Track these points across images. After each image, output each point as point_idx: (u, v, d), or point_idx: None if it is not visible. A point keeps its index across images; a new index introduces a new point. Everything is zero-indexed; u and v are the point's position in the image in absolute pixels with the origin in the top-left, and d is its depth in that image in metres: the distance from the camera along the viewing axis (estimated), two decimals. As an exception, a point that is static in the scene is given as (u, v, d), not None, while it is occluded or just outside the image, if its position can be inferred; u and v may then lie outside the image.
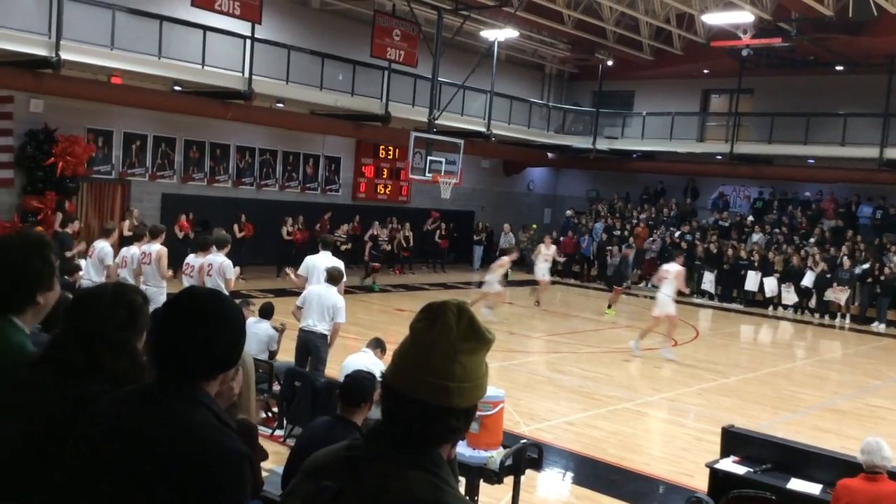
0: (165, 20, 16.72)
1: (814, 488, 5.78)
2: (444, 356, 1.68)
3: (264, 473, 4.61)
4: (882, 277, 20.52)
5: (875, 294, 20.62)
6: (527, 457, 6.10)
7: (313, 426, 4.51)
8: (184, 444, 1.87)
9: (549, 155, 28.39)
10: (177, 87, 17.90)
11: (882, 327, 20.09)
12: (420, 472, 1.65)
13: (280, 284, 17.37)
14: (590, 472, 7.81)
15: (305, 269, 9.64)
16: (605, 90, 28.32)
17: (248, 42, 17.90)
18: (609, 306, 18.85)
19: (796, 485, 5.85)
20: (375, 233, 21.39)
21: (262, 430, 7.46)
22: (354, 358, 7.20)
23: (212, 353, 1.97)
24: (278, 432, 7.72)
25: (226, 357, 2.02)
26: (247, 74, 17.80)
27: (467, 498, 2.05)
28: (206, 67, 17.35)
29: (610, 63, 26.38)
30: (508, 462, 5.86)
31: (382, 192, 25.14)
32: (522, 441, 6.34)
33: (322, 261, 9.47)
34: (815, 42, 20.54)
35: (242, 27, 17.97)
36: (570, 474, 7.76)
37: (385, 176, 25.09)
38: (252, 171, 21.69)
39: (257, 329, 8.49)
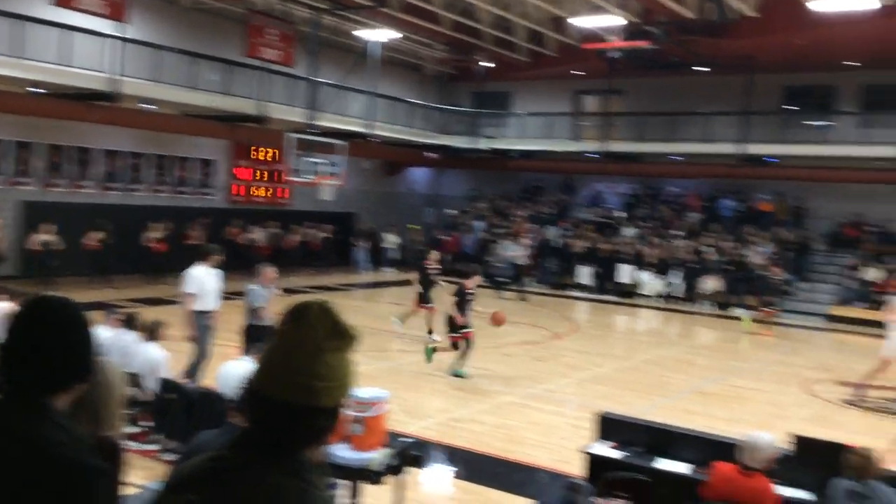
0: (19, 18, 15.81)
1: (684, 467, 6.10)
2: (309, 356, 1.67)
3: (137, 490, 4.44)
4: (742, 267, 21.84)
5: (736, 282, 21.90)
6: (411, 455, 6.13)
7: (205, 439, 4.35)
8: (33, 462, 1.77)
9: (431, 155, 28.60)
10: (33, 89, 16.92)
11: (743, 312, 21.33)
12: (287, 477, 1.63)
13: (152, 293, 16.75)
14: (474, 466, 7.93)
15: (195, 285, 9.35)
16: (484, 91, 28.81)
17: (114, 42, 17.17)
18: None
19: (667, 465, 6.15)
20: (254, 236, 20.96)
21: (138, 445, 7.18)
22: (232, 366, 7.02)
23: (58, 364, 1.88)
24: (151, 447, 7.43)
25: (74, 368, 1.93)
26: (112, 75, 17.05)
27: (337, 499, 2.04)
28: (68, 68, 16.52)
29: (488, 65, 26.85)
30: (392, 462, 5.87)
31: (262, 194, 24.64)
32: (406, 440, 6.36)
33: (206, 276, 9.31)
34: (679, 44, 21.60)
35: (109, 27, 17.21)
36: (455, 470, 7.85)
37: (263, 178, 24.60)
38: (120, 176, 20.80)
39: (139, 350, 7.84)
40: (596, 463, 6.31)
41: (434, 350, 11.91)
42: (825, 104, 24.42)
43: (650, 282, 22.90)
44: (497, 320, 12.01)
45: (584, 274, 23.84)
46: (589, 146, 26.33)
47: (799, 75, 24.08)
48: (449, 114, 28.86)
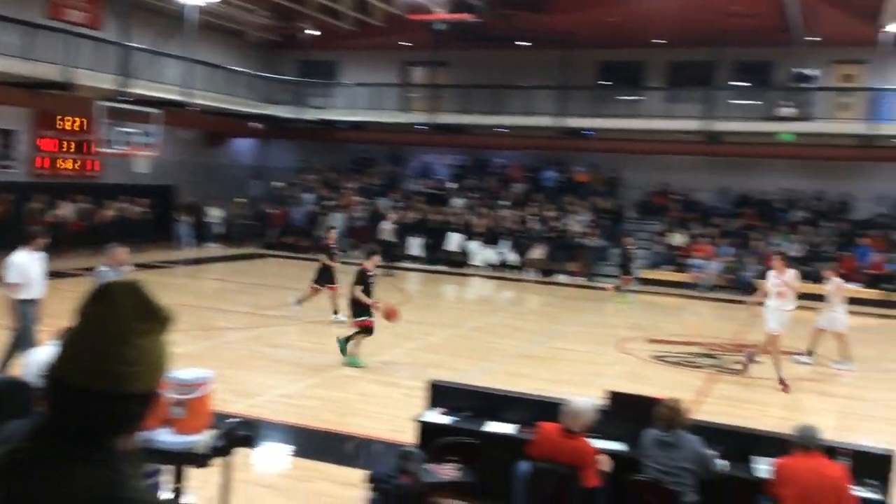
0: None
1: (511, 428, 6.34)
2: (115, 340, 1.55)
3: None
4: (563, 234, 22.93)
5: (558, 249, 22.97)
6: (238, 436, 5.96)
7: (12, 430, 3.98)
8: None
9: (256, 125, 27.73)
10: None
11: (564, 278, 22.48)
12: (94, 467, 1.51)
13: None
14: (307, 441, 7.84)
15: (19, 273, 8.61)
16: (311, 60, 28.21)
17: None
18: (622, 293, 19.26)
19: (495, 427, 6.36)
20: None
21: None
22: (39, 351, 6.50)
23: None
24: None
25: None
26: None
27: (158, 485, 1.91)
28: None
29: (313, 32, 26.28)
30: (218, 444, 5.69)
31: (69, 166, 22.89)
32: (233, 420, 6.17)
33: (30, 262, 8.60)
34: (501, 18, 22.10)
35: None
36: (287, 447, 7.73)
37: (71, 150, 22.85)
38: None
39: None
40: (428, 430, 6.42)
41: (347, 341, 10.80)
42: (636, 80, 25.96)
43: (479, 251, 23.53)
44: (389, 315, 10.83)
45: (415, 245, 24.12)
46: (417, 118, 26.52)
47: (613, 51, 25.41)
48: (273, 82, 28.04)
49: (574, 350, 13.20)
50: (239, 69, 26.40)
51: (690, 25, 21.73)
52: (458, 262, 23.76)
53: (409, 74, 29.25)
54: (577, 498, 5.26)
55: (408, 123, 26.77)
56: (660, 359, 12.66)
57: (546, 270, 22.90)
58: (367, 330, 10.70)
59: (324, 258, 14.23)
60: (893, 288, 19.75)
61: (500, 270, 23.20)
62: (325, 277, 14.12)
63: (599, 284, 21.17)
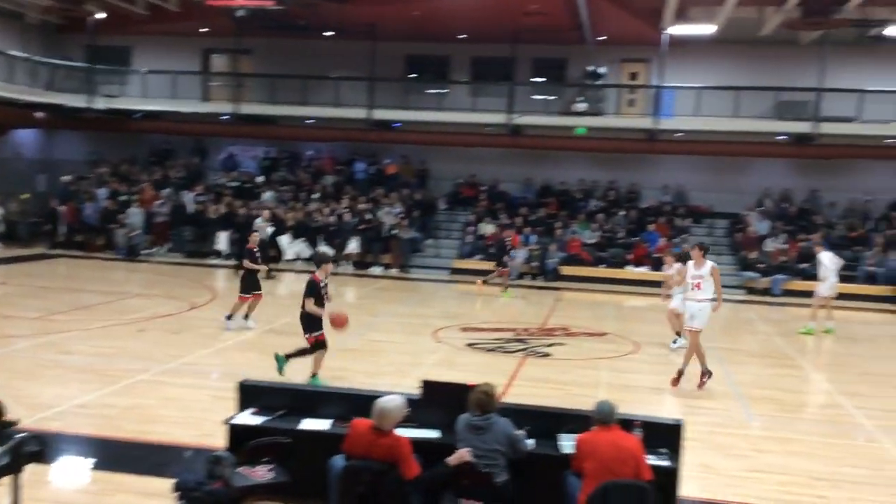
0: None
1: (324, 424, 6.22)
2: None
3: None
4: (376, 227, 22.97)
5: (371, 242, 22.99)
6: (27, 451, 5.44)
7: None
8: None
9: (39, 115, 25.48)
10: None
11: (379, 270, 22.55)
12: None
13: None
14: (106, 453, 7.30)
15: None
16: (100, 45, 26.30)
17: None
18: (504, 289, 19.43)
19: (308, 424, 6.22)
20: None
21: None
22: None
23: None
24: None
25: None
26: None
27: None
28: None
29: (101, 16, 24.51)
30: (4, 461, 5.17)
31: None
32: (21, 434, 5.61)
33: None
34: (304, 7, 21.70)
35: None
36: (84, 460, 7.15)
37: None
38: None
39: None
40: (239, 432, 6.17)
41: (289, 357, 9.97)
42: (442, 73, 26.47)
43: (291, 245, 23.02)
44: (336, 322, 9.68)
45: (223, 240, 23.20)
46: (219, 107, 25.53)
47: (419, 45, 25.73)
48: (58, 69, 25.90)
49: (390, 341, 13.25)
50: (18, 54, 24.14)
51: (491, 22, 22.47)
52: (271, 256, 23.12)
53: (211, 62, 28.07)
54: (393, 492, 5.25)
55: (210, 113, 25.69)
56: (473, 346, 12.99)
57: (360, 263, 22.85)
58: (321, 345, 9.90)
59: (247, 263, 13.48)
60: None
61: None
62: (250, 284, 13.37)
63: (410, 275, 21.41)
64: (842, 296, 19.84)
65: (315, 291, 9.79)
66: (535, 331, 14.54)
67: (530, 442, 5.92)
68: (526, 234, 23.04)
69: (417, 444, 5.60)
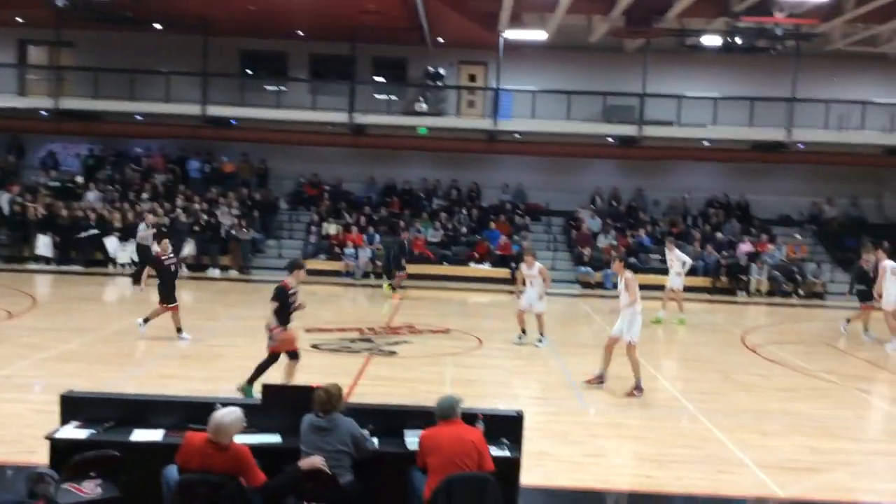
0: None
1: (156, 434, 5.91)
2: None
3: None
4: (213, 228, 22.16)
5: (208, 243, 22.15)
6: None
7: None
8: None
9: None
10: None
11: (217, 272, 21.78)
12: None
13: None
14: None
15: None
16: None
17: None
18: (393, 289, 19.51)
19: (140, 435, 5.89)
20: None
21: None
22: None
23: None
24: None
25: None
26: None
27: None
28: None
29: None
30: None
31: None
32: None
33: None
34: (131, -2, 20.61)
35: None
36: None
37: None
38: None
39: None
40: (63, 447, 5.74)
41: (251, 384, 9.23)
42: (279, 70, 25.92)
43: (119, 248, 21.75)
44: (284, 343, 9.38)
45: (43, 244, 21.59)
46: (38, 102, 23.75)
47: (255, 40, 25.07)
48: None
49: (231, 345, 12.80)
50: None
51: (329, 20, 22.25)
52: (96, 260, 21.79)
53: (28, 54, 26.06)
54: (234, 503, 5.05)
55: (27, 108, 23.85)
56: (317, 347, 12.80)
57: (197, 266, 21.95)
58: (274, 357, 9.36)
59: (147, 273, 12.84)
60: (518, 266, 22.16)
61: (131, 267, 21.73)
62: (171, 293, 12.59)
63: (252, 277, 20.84)
64: (660, 287, 21.28)
65: (282, 297, 9.29)
66: (380, 329, 14.54)
67: (375, 441, 5.90)
68: (370, 234, 23.01)
69: (259, 450, 5.43)
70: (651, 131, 23.63)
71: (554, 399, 10.27)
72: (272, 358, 9.42)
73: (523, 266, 13.49)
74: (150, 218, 19.83)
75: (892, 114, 23.77)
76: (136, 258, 21.55)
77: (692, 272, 22.57)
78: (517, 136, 24.62)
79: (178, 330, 12.78)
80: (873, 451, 8.72)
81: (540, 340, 13.45)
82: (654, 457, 8.08)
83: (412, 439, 5.91)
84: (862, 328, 15.60)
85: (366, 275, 22.17)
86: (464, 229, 24.15)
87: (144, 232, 18.90)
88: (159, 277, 12.81)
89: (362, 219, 23.61)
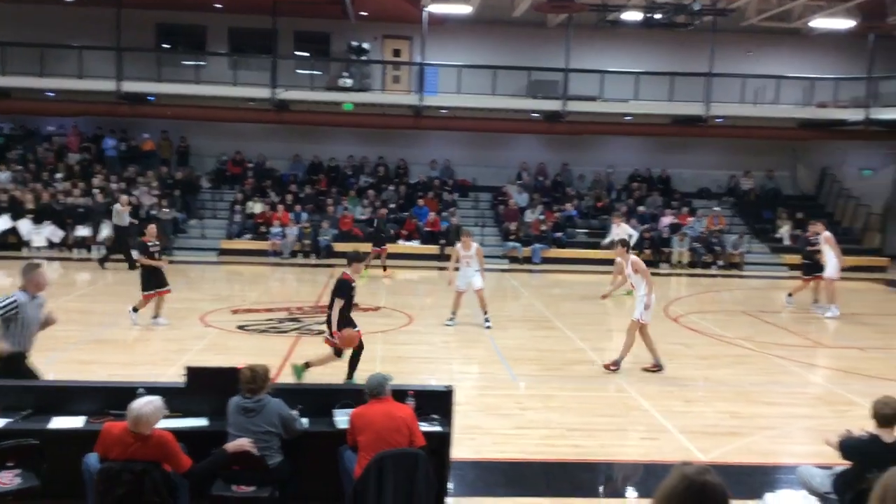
0: None
1: (77, 421, 5.71)
2: None
3: None
4: (133, 207, 21.47)
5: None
6: None
7: None
8: None
9: None
10: None
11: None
12: None
13: None
14: None
15: None
16: None
17: None
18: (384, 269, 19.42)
19: (59, 422, 5.68)
20: None
21: None
22: None
23: None
24: None
25: None
26: None
27: None
28: None
29: None
30: None
31: None
32: None
33: None
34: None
35: None
36: None
37: None
38: None
39: None
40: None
41: (308, 366, 9.04)
42: (198, 44, 25.15)
43: (33, 231, 20.90)
44: (346, 342, 9.06)
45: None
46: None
47: (171, 13, 24.25)
48: None
49: (153, 328, 12.48)
50: None
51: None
52: (9, 243, 20.89)
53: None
54: (158, 490, 4.92)
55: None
56: (244, 328, 12.60)
57: (110, 247, 21.20)
58: (338, 353, 9.10)
59: (143, 259, 12.27)
60: (448, 243, 22.20)
61: (62, 250, 20.95)
62: (153, 281, 12.18)
63: (176, 258, 20.32)
64: (586, 260, 21.68)
65: (346, 292, 9.06)
66: (308, 309, 14.38)
67: (305, 421, 5.83)
68: (296, 212, 22.68)
69: (185, 434, 5.31)
70: (575, 106, 23.87)
71: (484, 373, 10.36)
72: (338, 354, 9.18)
73: (459, 247, 13.18)
74: (124, 199, 19.61)
75: (805, 88, 24.59)
76: (55, 241, 20.85)
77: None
78: (443, 111, 24.55)
79: (155, 316, 12.53)
80: (789, 414, 9.08)
81: (487, 321, 13.14)
82: (582, 426, 8.24)
83: (342, 418, 5.87)
84: (812, 300, 16.23)
85: (293, 254, 21.87)
86: (392, 206, 24.03)
87: (119, 213, 18.80)
88: (143, 264, 12.46)
89: (288, 197, 23.25)
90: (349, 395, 6.02)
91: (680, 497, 2.25)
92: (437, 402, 6.15)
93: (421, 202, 23.90)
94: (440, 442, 5.87)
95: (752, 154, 26.29)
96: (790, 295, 16.49)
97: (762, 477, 7.02)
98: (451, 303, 13.39)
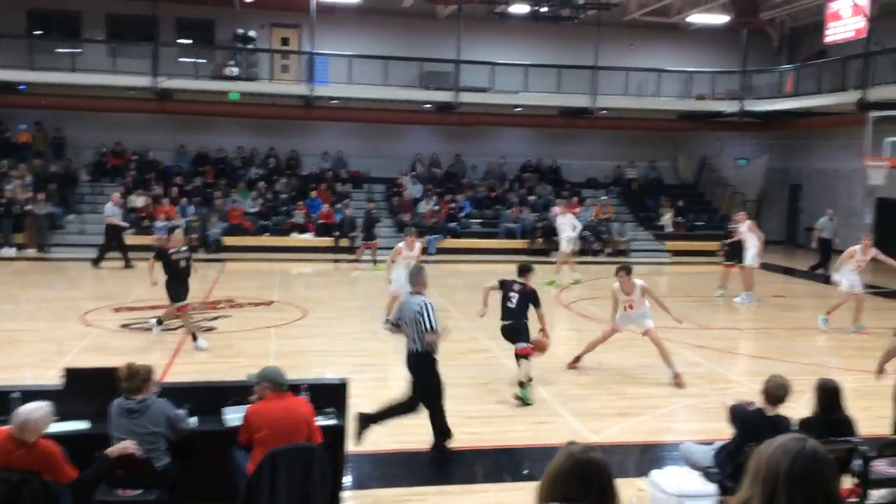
0: None
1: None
2: None
3: None
4: (4, 201, 20.27)
5: (1, 219, 20.25)
6: None
7: None
8: None
9: None
10: None
11: (12, 251, 19.96)
12: None
13: None
14: None
15: None
16: None
17: None
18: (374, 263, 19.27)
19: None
20: None
21: None
22: None
23: None
24: None
25: None
26: None
27: None
28: None
29: None
30: None
31: None
32: None
33: None
34: None
35: None
36: None
37: None
38: None
39: None
40: None
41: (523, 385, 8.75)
42: (72, 31, 23.89)
43: None
44: (539, 347, 9.19)
45: None
46: None
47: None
48: None
49: (31, 330, 11.82)
50: None
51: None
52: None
53: None
54: (37, 500, 4.63)
55: None
56: (128, 327, 12.10)
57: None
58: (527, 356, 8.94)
59: (151, 265, 11.03)
60: (342, 235, 21.99)
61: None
62: (182, 291, 10.90)
63: (52, 255, 19.28)
64: (481, 250, 21.93)
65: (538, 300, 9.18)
66: (197, 305, 13.92)
67: (193, 420, 5.63)
68: (182, 205, 21.92)
69: (66, 438, 5.03)
70: (467, 97, 24.04)
71: (381, 365, 10.31)
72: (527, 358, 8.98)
73: (402, 247, 12.45)
74: (116, 196, 19.13)
75: (684, 81, 25.61)
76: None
77: (510, 234, 23.44)
78: (335, 101, 24.24)
79: (159, 321, 11.45)
80: (674, 393, 9.45)
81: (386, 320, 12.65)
82: (479, 414, 8.32)
83: (232, 416, 5.70)
84: (718, 285, 16.80)
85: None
86: (284, 198, 23.59)
87: (111, 211, 18.39)
88: (167, 273, 11.01)
89: (174, 190, 22.43)
90: (241, 391, 5.85)
91: (566, 474, 2.33)
92: (331, 396, 6.07)
93: (314, 194, 23.55)
94: (335, 435, 5.80)
95: (635, 145, 27.22)
96: (720, 288, 16.81)
97: (649, 454, 7.28)
98: (383, 304, 12.61)
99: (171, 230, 12.39)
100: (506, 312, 9.13)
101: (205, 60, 24.03)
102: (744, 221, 16.17)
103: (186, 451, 5.41)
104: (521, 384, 8.76)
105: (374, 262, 19.58)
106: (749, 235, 15.78)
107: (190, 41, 24.62)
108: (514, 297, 9.14)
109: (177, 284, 10.97)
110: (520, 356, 8.87)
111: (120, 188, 21.61)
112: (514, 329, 9.00)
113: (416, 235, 13.19)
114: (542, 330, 9.24)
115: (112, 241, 18.57)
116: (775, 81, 24.89)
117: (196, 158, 24.53)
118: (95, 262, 18.28)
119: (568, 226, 18.12)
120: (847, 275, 13.36)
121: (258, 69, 24.05)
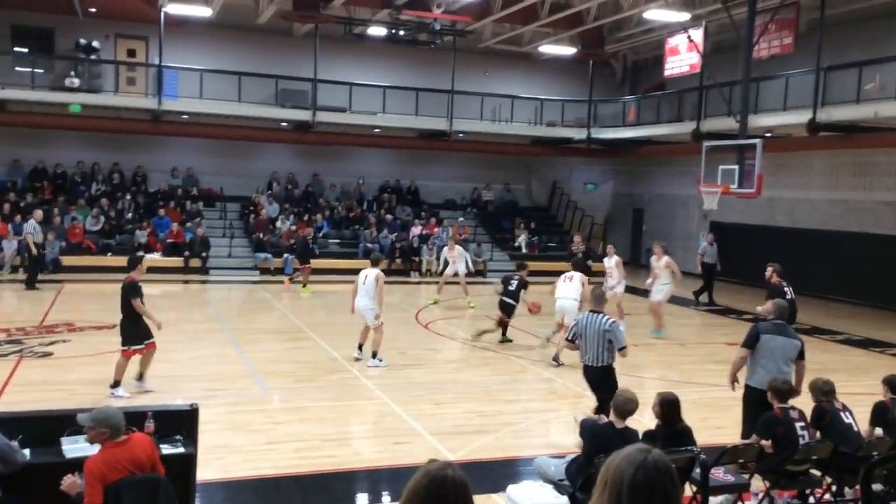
0: None
1: None
2: None
3: None
4: None
5: None
6: None
7: None
8: None
9: None
10: None
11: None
12: None
13: None
14: None
15: None
16: None
17: None
18: (304, 285, 19.20)
19: None
20: None
21: None
22: None
23: None
24: None
25: None
26: None
27: None
28: None
29: None
30: None
31: None
32: None
33: None
34: None
35: None
36: None
37: None
38: None
39: None
40: None
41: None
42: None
43: None
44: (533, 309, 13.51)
45: None
46: None
47: None
48: None
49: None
50: None
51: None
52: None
53: None
54: None
55: None
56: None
57: None
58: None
59: (137, 305, 9.44)
60: (192, 255, 21.16)
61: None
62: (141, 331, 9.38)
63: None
64: (338, 270, 21.71)
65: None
66: (32, 329, 12.98)
67: (27, 452, 5.20)
68: (16, 223, 20.40)
69: None
70: (324, 117, 23.83)
71: (233, 389, 9.96)
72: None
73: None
74: (39, 214, 18.86)
75: (535, 107, 26.57)
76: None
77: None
78: (185, 116, 23.38)
79: (140, 377, 9.54)
80: (528, 409, 9.69)
81: (374, 359, 11.46)
82: (336, 436, 8.20)
83: (71, 447, 5.31)
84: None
85: (14, 269, 19.66)
86: (129, 217, 22.45)
87: (32, 230, 18.03)
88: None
89: (6, 206, 20.86)
90: (75, 421, 5.45)
91: (423, 491, 2.34)
92: (180, 422, 5.77)
93: (162, 212, 22.57)
94: (184, 464, 5.51)
95: (491, 168, 27.93)
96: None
97: (505, 470, 7.40)
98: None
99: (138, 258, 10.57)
100: (507, 293, 13.37)
101: (42, 70, 22.54)
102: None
103: (19, 484, 4.98)
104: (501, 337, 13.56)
105: (304, 284, 19.31)
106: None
107: (26, 49, 23.04)
108: (514, 282, 13.39)
109: (138, 322, 9.48)
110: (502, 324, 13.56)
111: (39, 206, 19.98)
112: (508, 304, 13.36)
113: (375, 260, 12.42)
114: (533, 303, 13.40)
115: (34, 261, 17.91)
116: (619, 111, 26.28)
117: (32, 173, 22.95)
118: (28, 285, 17.65)
119: (459, 257, 18.98)
120: (656, 285, 15.07)
121: (102, 81, 22.82)
